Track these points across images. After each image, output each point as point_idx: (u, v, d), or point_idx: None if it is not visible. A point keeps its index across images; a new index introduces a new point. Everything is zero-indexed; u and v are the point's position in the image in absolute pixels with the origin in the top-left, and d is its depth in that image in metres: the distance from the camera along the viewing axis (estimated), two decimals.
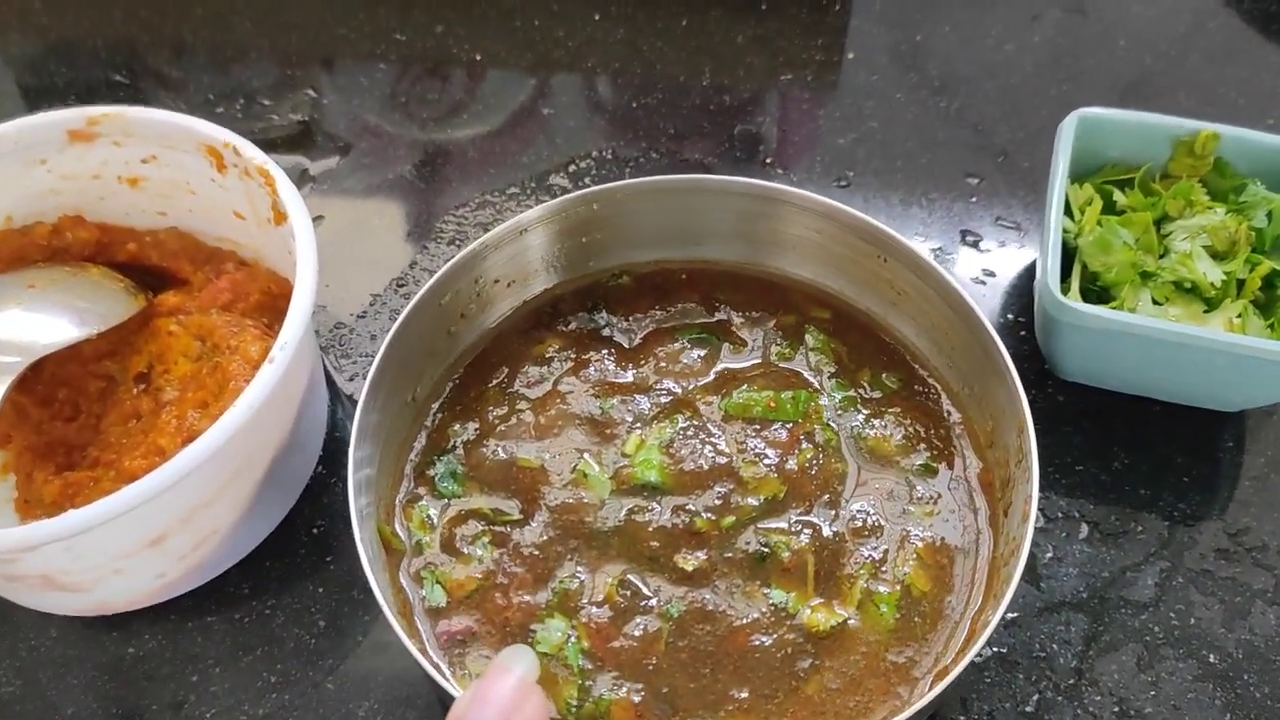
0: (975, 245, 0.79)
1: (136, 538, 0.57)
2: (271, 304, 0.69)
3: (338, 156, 0.85)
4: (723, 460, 0.61)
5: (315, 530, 0.67)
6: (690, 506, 0.59)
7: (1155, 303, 0.66)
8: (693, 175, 0.67)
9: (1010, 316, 0.75)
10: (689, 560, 0.58)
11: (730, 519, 0.59)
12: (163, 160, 0.68)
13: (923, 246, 0.76)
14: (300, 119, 0.87)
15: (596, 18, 0.92)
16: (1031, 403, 0.70)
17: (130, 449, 0.63)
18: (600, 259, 0.70)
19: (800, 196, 0.66)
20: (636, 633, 0.56)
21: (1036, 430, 0.69)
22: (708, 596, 0.57)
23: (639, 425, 0.62)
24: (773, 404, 0.63)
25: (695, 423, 0.62)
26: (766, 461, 0.61)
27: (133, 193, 0.70)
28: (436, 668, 0.53)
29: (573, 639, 0.56)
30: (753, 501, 0.59)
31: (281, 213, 0.64)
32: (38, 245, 0.69)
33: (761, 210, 0.67)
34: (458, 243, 0.79)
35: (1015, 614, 0.64)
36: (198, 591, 0.64)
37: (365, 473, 0.58)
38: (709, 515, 0.59)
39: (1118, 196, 0.71)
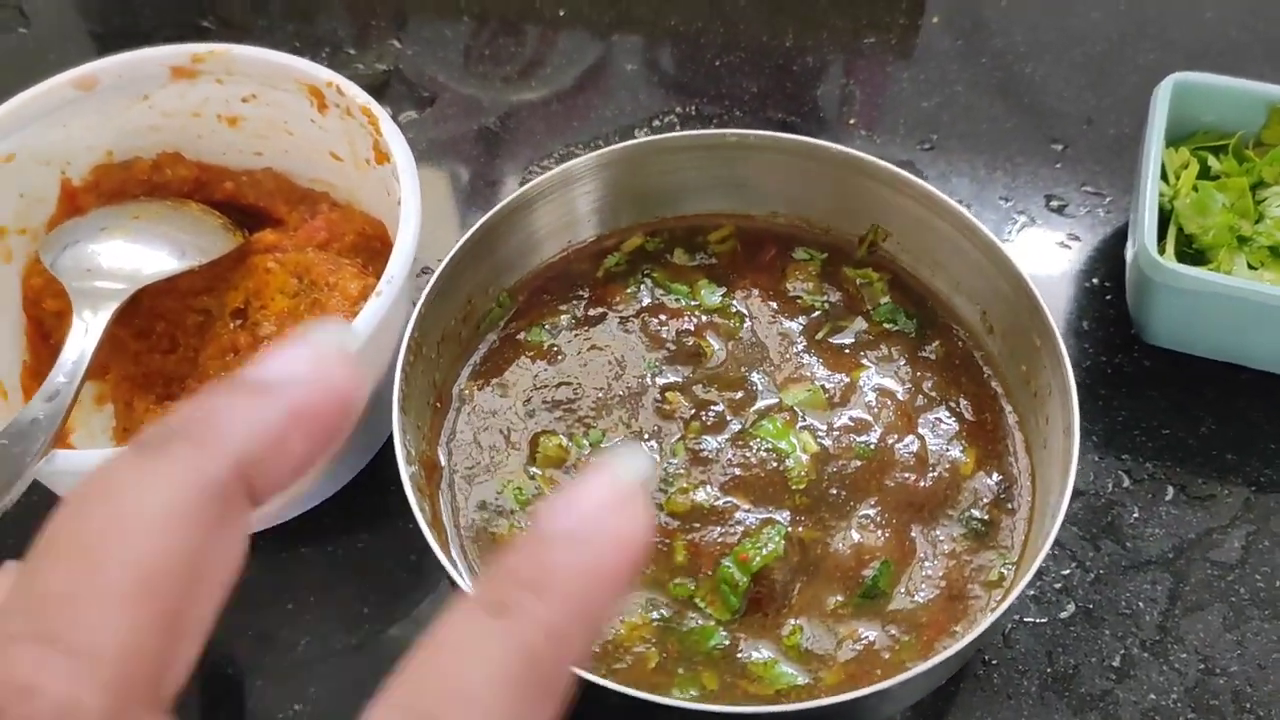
0: (1060, 210, 0.79)
1: None
2: (366, 245, 0.70)
3: (422, 107, 0.86)
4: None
5: None
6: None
7: (1250, 267, 0.66)
8: (741, 130, 0.66)
9: (1095, 281, 0.75)
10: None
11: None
12: (263, 99, 0.69)
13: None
14: (385, 68, 0.88)
15: None
16: (1118, 367, 0.71)
17: None
18: (651, 210, 0.69)
19: (848, 155, 0.65)
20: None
21: (1122, 394, 0.70)
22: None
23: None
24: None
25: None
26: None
27: (231, 132, 0.71)
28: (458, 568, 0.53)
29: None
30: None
31: (383, 152, 0.65)
32: (138, 180, 0.70)
33: (810, 168, 0.66)
34: None
35: (1101, 571, 0.64)
36: (293, 523, 0.65)
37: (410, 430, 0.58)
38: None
39: (1212, 162, 0.71)
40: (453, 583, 0.53)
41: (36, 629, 0.23)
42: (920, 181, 0.63)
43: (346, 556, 0.65)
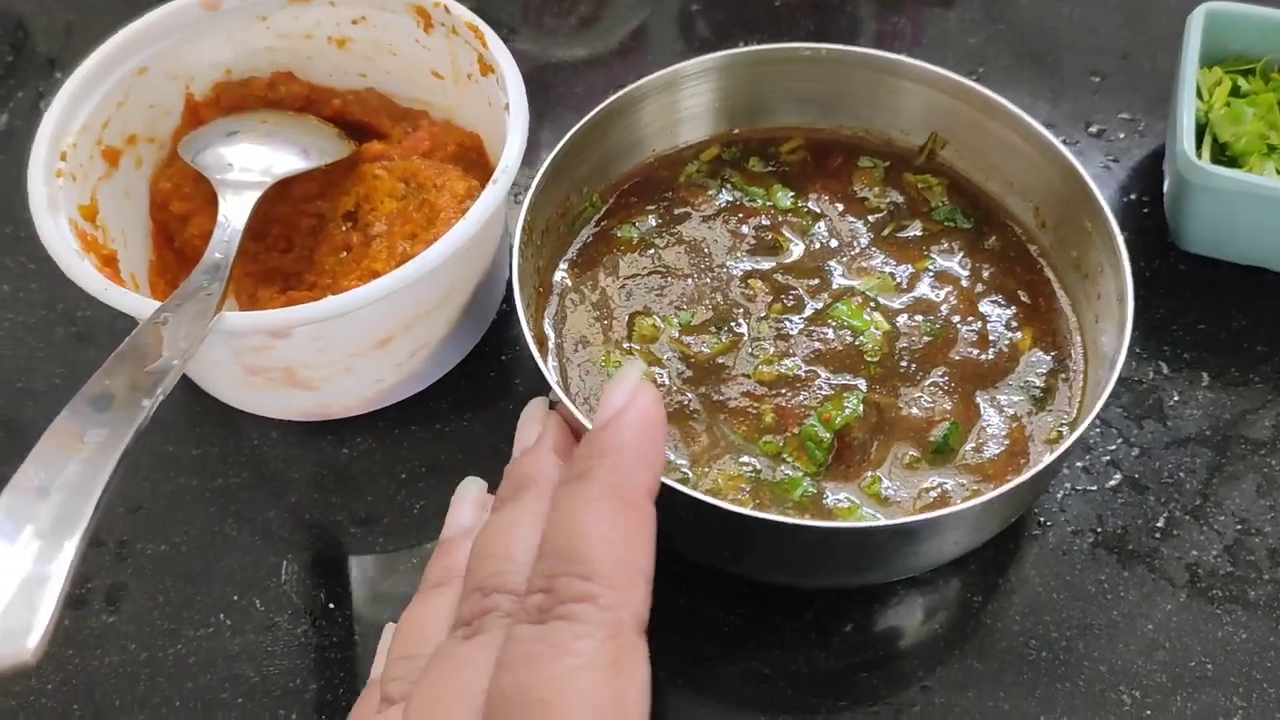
0: (1099, 135, 0.85)
1: (369, 336, 0.64)
2: (464, 155, 0.76)
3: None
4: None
5: (503, 358, 0.74)
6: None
7: (1279, 173, 0.72)
8: (825, 44, 0.72)
9: (1133, 196, 0.81)
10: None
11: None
12: (371, 21, 0.75)
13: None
14: None
15: None
16: (1155, 271, 0.77)
17: (345, 274, 0.70)
18: (727, 123, 0.76)
19: (905, 64, 0.72)
20: None
21: (1160, 294, 0.76)
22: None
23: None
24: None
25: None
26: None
27: (338, 54, 0.77)
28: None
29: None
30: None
31: (488, 64, 0.71)
32: (256, 96, 0.76)
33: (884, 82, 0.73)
34: None
35: (1144, 446, 0.70)
36: (402, 406, 0.71)
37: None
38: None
39: (1241, 83, 0.77)
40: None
41: None
42: (978, 86, 0.70)
43: (453, 434, 0.71)
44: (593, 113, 0.68)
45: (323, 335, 0.62)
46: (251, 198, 0.66)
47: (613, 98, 0.69)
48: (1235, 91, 0.77)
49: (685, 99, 0.73)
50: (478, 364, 0.73)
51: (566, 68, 0.92)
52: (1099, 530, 0.67)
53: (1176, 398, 0.72)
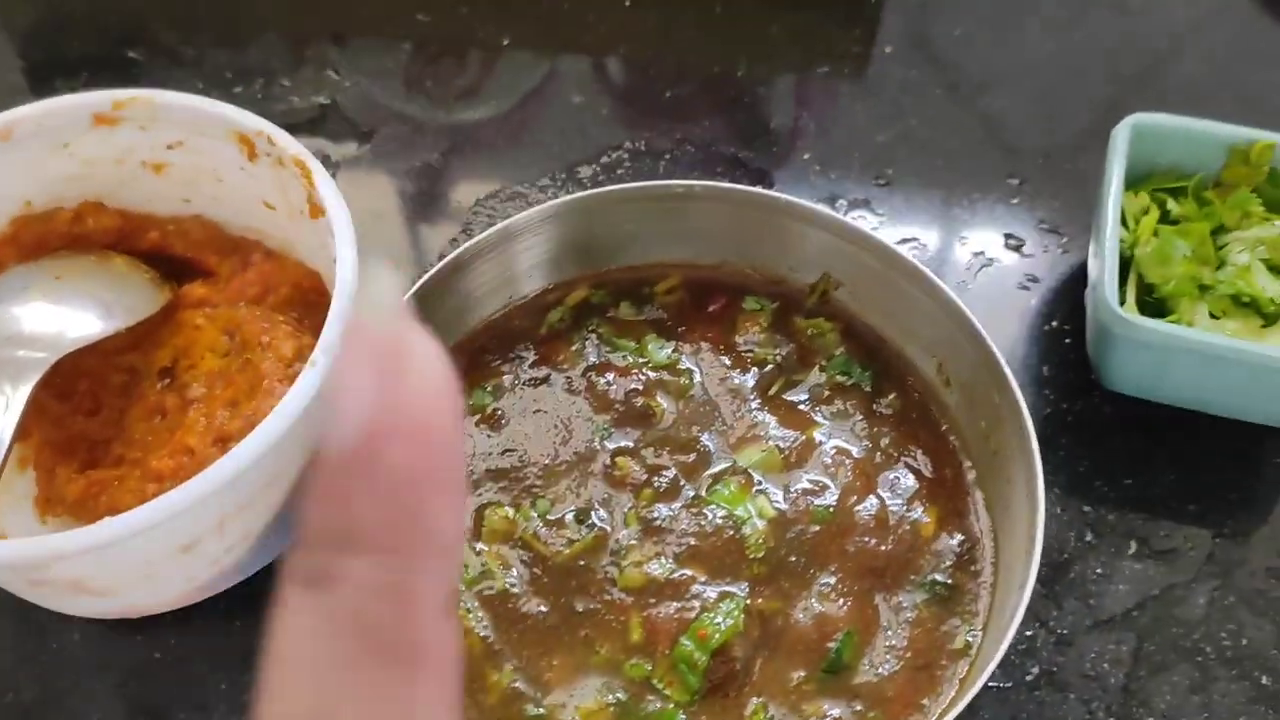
0: (1018, 249, 0.77)
1: (168, 544, 0.55)
2: (302, 298, 0.66)
3: (360, 142, 0.83)
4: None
5: None
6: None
7: (1212, 316, 0.65)
8: (688, 181, 0.65)
9: (1054, 324, 0.74)
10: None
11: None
12: (190, 146, 0.65)
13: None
14: (322, 101, 0.84)
15: (627, 4, 0.89)
16: (1078, 413, 0.70)
17: (156, 447, 0.60)
18: (595, 262, 0.67)
19: (796, 206, 0.64)
20: None
21: (1085, 440, 0.68)
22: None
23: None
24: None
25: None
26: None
27: (156, 179, 0.67)
28: None
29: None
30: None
31: (318, 206, 0.61)
32: (58, 232, 0.66)
33: (757, 217, 0.65)
34: None
35: (1065, 631, 0.62)
36: (227, 594, 0.61)
37: None
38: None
39: (1171, 205, 0.69)
40: None
41: None
42: (873, 235, 0.62)
43: None
44: (426, 276, 0.60)
45: (107, 554, 0.53)
46: (32, 382, 0.57)
47: (434, 269, 0.60)
48: (1164, 217, 0.69)
49: (526, 250, 0.64)
50: None
51: (465, 145, 0.82)
52: None
53: (1100, 570, 0.65)
